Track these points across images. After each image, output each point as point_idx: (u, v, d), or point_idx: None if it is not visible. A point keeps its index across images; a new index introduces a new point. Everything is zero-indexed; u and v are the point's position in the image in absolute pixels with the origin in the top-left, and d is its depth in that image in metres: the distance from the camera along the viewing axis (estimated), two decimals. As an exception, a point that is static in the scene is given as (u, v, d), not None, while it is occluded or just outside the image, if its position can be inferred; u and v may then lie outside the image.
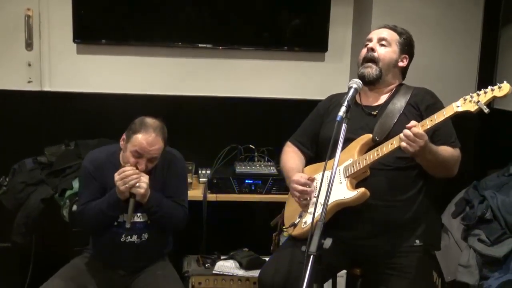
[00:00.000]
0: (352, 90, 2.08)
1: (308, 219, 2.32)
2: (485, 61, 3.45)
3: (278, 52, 3.66)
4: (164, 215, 2.57)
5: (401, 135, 2.06)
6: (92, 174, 2.61)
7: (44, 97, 3.52)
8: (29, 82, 3.50)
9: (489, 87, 1.96)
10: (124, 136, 2.55)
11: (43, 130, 3.50)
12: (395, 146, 2.12)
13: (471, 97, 1.98)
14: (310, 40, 3.64)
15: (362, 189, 2.16)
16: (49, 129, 3.50)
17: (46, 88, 3.53)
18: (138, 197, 2.47)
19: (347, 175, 2.25)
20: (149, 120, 2.52)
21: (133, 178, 2.44)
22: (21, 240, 3.07)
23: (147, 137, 2.45)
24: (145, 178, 2.47)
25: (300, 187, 2.32)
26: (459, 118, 2.07)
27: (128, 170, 2.45)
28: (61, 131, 3.46)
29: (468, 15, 3.35)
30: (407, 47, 2.45)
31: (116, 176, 2.45)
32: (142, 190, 2.45)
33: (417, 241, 2.30)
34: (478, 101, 1.95)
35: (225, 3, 3.56)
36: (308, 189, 2.30)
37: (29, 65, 3.49)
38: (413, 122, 2.07)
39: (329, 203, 2.14)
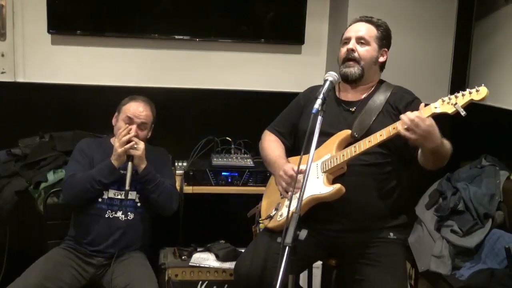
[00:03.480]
0: (327, 83, 2.09)
1: (284, 211, 2.33)
2: (459, 55, 3.50)
3: (255, 45, 3.66)
4: (159, 186, 2.68)
5: (403, 117, 2.03)
6: (84, 150, 2.79)
7: (17, 88, 3.47)
8: (2, 73, 3.44)
9: (467, 89, 1.96)
10: (116, 114, 2.81)
11: (17, 122, 3.44)
12: (372, 144, 2.13)
13: (449, 98, 1.99)
14: (287, 33, 3.65)
15: (337, 185, 2.18)
16: (23, 121, 3.45)
17: (20, 79, 3.48)
18: (135, 160, 2.62)
19: (324, 170, 2.26)
20: (137, 95, 2.85)
21: (126, 134, 2.63)
22: (-6, 233, 3.04)
23: (136, 104, 2.77)
24: (141, 142, 2.66)
25: (288, 179, 2.31)
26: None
27: (123, 129, 2.65)
28: (36, 122, 3.42)
29: (443, 9, 3.39)
30: (385, 40, 2.45)
31: (115, 141, 2.64)
32: (139, 152, 2.63)
33: (391, 234, 2.34)
34: (456, 103, 1.96)
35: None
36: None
37: (2, 55, 3.43)
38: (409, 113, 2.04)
39: (305, 197, 2.16)
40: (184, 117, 3.63)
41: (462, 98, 1.97)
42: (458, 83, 3.54)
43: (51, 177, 3.03)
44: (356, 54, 2.37)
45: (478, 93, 1.93)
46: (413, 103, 2.32)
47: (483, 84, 1.95)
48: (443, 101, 2.01)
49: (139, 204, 2.74)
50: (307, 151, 1.98)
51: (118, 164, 2.63)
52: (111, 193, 2.71)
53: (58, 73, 3.51)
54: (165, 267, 2.95)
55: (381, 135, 2.12)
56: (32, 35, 3.45)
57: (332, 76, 2.12)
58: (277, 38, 3.65)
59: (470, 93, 1.95)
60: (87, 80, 3.52)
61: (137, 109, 2.74)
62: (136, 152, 2.63)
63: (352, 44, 2.39)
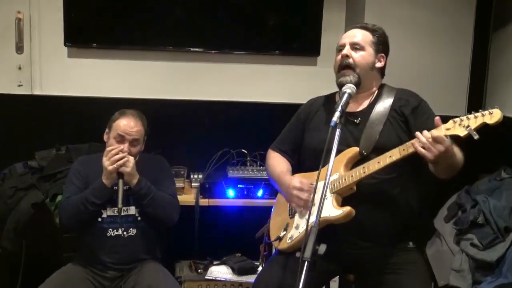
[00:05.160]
0: (346, 96, 2.06)
1: (293, 233, 2.29)
2: (477, 65, 3.48)
3: (270, 56, 3.66)
4: (155, 200, 2.62)
5: (420, 136, 1.96)
6: (79, 171, 2.72)
7: (34, 101, 3.49)
8: (19, 85, 3.47)
9: (479, 111, 1.89)
10: (107, 130, 2.71)
11: (33, 134, 3.47)
12: (382, 166, 2.07)
13: (461, 120, 1.92)
14: (302, 45, 3.65)
15: (347, 208, 2.11)
16: (40, 133, 3.47)
17: (37, 91, 3.50)
18: (126, 177, 2.55)
19: (333, 190, 2.19)
20: (127, 109, 2.72)
21: (117, 153, 2.54)
22: (11, 246, 3.04)
23: (127, 120, 2.65)
24: (131, 158, 2.57)
25: (305, 195, 2.23)
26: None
27: (112, 148, 2.56)
28: (52, 135, 3.44)
29: (460, 20, 3.38)
30: (382, 46, 2.35)
31: (104, 159, 2.55)
32: (128, 169, 2.54)
33: (410, 243, 2.31)
34: (468, 126, 1.89)
35: (217, 7, 3.55)
36: (310, 197, 2.21)
37: (20, 68, 3.46)
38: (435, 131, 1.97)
39: (312, 219, 2.06)
40: (200, 129, 3.63)
41: (474, 121, 1.89)
42: (476, 94, 3.52)
43: (68, 189, 3.03)
44: (351, 60, 2.28)
45: (492, 116, 1.86)
46: (419, 108, 2.26)
47: (496, 106, 1.88)
48: (455, 122, 1.94)
49: (139, 219, 2.67)
50: (324, 165, 1.94)
51: (109, 183, 2.56)
52: (110, 211, 2.63)
53: (75, 85, 3.53)
54: (181, 281, 2.94)
55: (391, 157, 2.06)
56: (49, 48, 3.48)
57: (350, 88, 2.09)
58: (292, 49, 3.65)
59: (483, 115, 1.87)
60: (103, 93, 3.54)
61: (128, 125, 2.63)
62: (126, 169, 2.54)
63: (346, 50, 2.31)
